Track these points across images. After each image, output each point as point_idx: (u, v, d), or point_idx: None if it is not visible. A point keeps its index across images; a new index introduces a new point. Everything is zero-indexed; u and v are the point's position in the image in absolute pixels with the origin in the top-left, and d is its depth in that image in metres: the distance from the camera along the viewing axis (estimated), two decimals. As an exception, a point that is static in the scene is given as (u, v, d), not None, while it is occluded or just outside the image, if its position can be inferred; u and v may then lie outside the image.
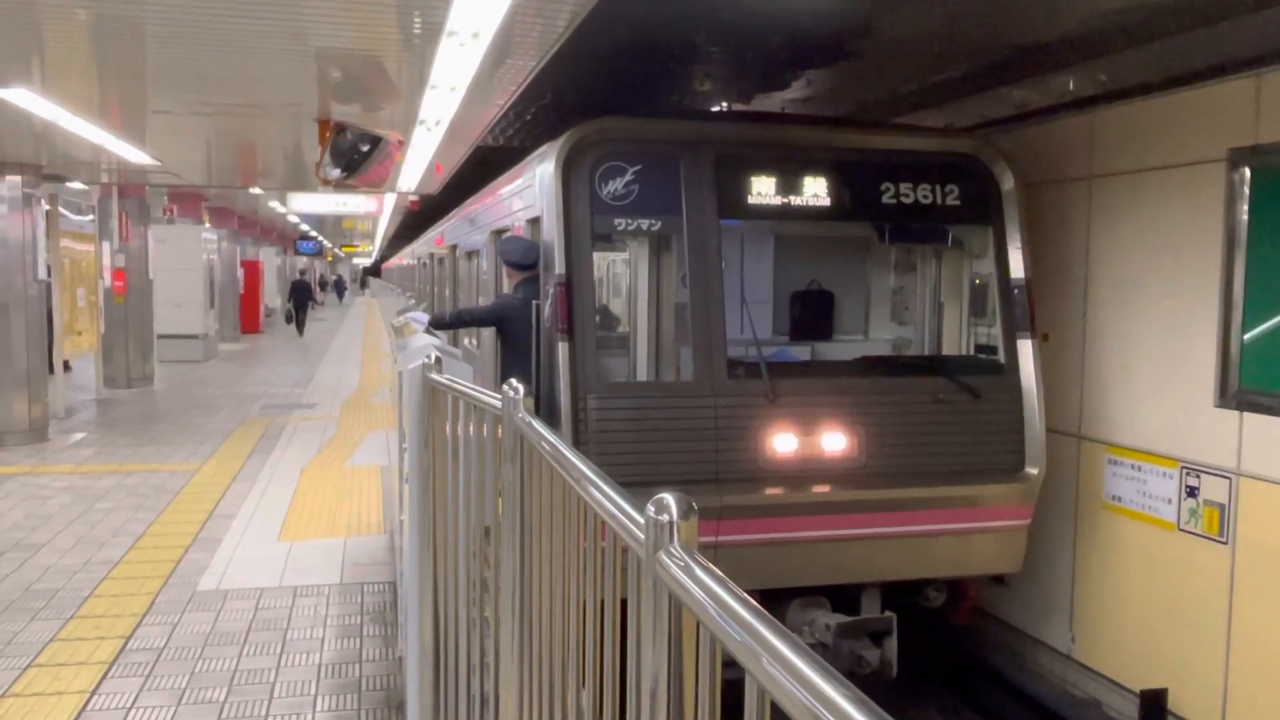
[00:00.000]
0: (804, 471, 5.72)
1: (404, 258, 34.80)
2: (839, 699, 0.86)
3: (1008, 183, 6.28)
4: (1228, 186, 5.34)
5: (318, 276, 49.84)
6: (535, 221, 6.21)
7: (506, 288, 6.96)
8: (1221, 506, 5.40)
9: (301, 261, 41.99)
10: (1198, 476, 5.55)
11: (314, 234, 36.82)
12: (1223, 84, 5.43)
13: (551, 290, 5.67)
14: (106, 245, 14.81)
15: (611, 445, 5.50)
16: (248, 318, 27.14)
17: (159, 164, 10.57)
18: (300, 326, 28.49)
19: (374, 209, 19.54)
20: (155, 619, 5.59)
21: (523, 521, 2.36)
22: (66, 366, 13.99)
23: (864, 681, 5.45)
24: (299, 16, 4.62)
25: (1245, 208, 5.27)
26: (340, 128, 7.08)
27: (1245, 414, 5.26)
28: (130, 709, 4.49)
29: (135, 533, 7.29)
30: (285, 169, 11.84)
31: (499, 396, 2.54)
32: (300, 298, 29.12)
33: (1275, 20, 4.95)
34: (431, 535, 3.54)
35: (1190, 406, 5.60)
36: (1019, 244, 6.21)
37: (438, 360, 3.59)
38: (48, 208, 11.83)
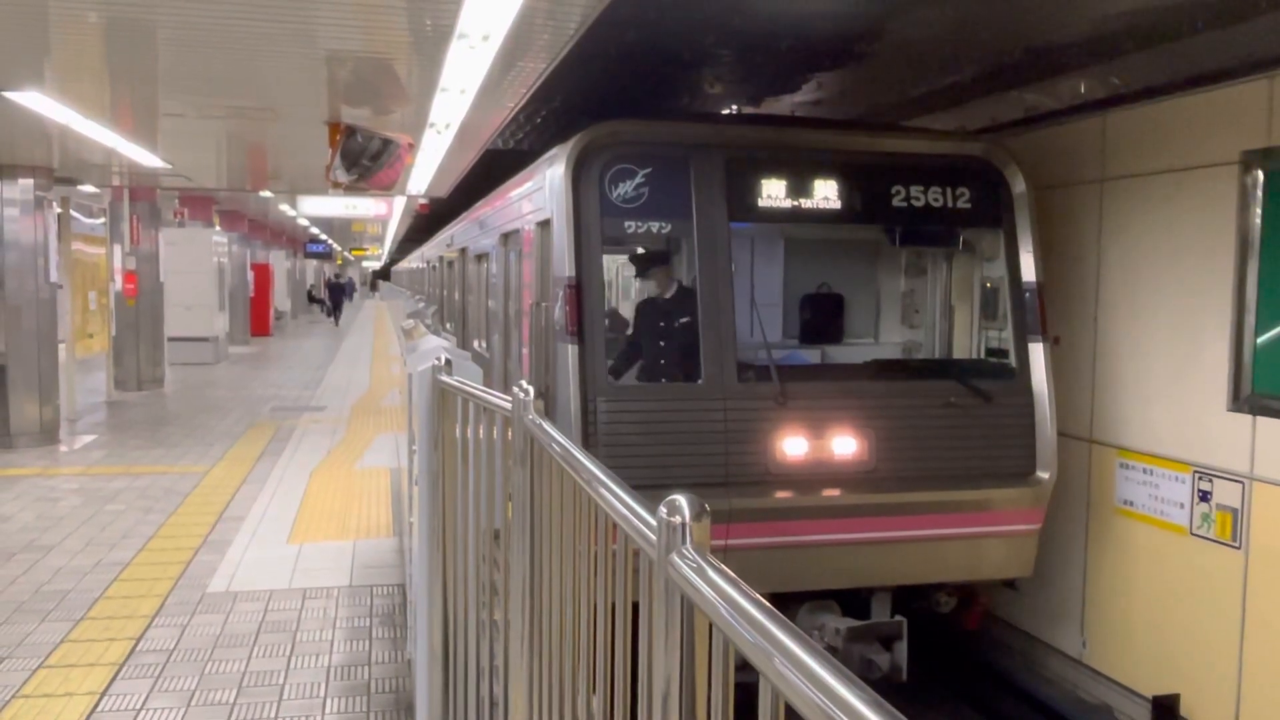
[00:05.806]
0: (814, 475, 5.70)
1: (413, 261, 35.42)
2: (854, 700, 0.85)
3: (1019, 186, 6.26)
4: (1240, 189, 5.31)
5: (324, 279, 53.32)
6: (545, 224, 6.21)
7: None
8: (1234, 511, 5.36)
9: (326, 266, 52.99)
10: (1210, 481, 5.52)
11: (323, 237, 37.40)
12: (1235, 86, 5.40)
13: (560, 292, 5.67)
14: (118, 248, 14.88)
15: (621, 448, 5.49)
16: (258, 320, 27.27)
17: (170, 167, 10.61)
18: (337, 319, 36.89)
19: (383, 212, 19.56)
20: (165, 621, 5.60)
21: (533, 524, 2.36)
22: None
23: (873, 686, 5.41)
24: (309, 19, 4.63)
25: (1258, 210, 5.24)
26: (350, 130, 7.09)
27: (1258, 418, 5.22)
28: (140, 710, 4.49)
29: (145, 534, 7.31)
30: (295, 172, 11.87)
31: (509, 398, 2.53)
32: (336, 296, 38.18)
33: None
34: (441, 538, 3.53)
35: (1203, 410, 5.56)
36: (1030, 247, 6.19)
37: (448, 362, 3.59)
38: (59, 211, 11.88)
